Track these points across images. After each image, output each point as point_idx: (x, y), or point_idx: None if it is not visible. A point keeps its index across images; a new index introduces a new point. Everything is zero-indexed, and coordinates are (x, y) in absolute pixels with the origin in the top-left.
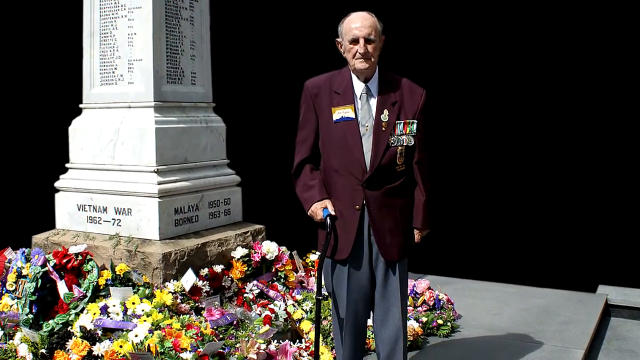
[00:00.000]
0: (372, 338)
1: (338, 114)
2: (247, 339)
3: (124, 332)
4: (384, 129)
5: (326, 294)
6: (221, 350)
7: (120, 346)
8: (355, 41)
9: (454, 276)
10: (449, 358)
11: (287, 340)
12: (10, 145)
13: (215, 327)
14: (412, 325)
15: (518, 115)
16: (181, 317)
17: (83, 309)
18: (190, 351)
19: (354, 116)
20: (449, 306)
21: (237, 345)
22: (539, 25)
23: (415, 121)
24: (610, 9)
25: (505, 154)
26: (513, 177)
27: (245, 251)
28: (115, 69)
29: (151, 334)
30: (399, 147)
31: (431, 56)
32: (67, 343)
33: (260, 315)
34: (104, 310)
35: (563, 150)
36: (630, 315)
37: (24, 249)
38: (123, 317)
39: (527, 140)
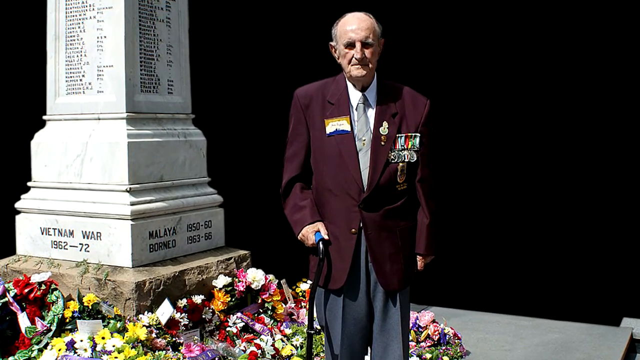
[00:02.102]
0: None
1: (332, 126)
2: None
3: None
4: (383, 143)
5: (318, 327)
6: None
7: None
8: (351, 45)
9: (461, 308)
10: None
11: None
12: None
13: None
14: None
15: (533, 130)
16: (157, 353)
17: (47, 344)
18: None
19: (349, 129)
20: (456, 341)
21: None
22: (543, 32)
23: (418, 134)
24: (612, 12)
25: (518, 173)
26: (527, 197)
27: (228, 280)
28: (83, 76)
29: None
30: (400, 164)
31: (436, 62)
32: None
33: (244, 351)
34: (71, 345)
35: (584, 170)
36: None
37: None
38: (92, 354)
39: (544, 160)
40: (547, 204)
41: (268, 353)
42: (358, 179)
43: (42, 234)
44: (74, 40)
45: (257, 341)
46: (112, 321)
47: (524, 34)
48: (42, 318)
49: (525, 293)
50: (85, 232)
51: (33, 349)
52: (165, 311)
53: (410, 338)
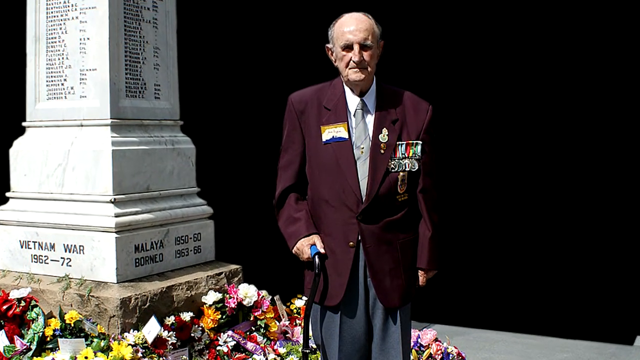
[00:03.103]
0: None
1: (328, 133)
2: None
3: None
4: (382, 151)
5: (314, 346)
6: None
7: None
8: (348, 47)
9: (465, 325)
10: None
11: None
12: None
13: None
14: None
15: (543, 137)
16: None
17: None
18: None
19: (347, 136)
20: None
21: None
22: (545, 36)
23: (420, 142)
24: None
25: (523, 183)
26: (534, 209)
27: (219, 296)
28: (65, 80)
29: None
30: (401, 173)
31: (438, 65)
32: None
33: None
34: None
35: (592, 182)
36: None
37: None
38: None
39: (552, 170)
40: (555, 217)
41: None
42: (356, 189)
43: (22, 247)
44: (55, 42)
45: None
46: (95, 340)
47: (527, 38)
48: (22, 336)
49: (532, 309)
50: (67, 245)
51: None
52: (152, 329)
53: (412, 358)
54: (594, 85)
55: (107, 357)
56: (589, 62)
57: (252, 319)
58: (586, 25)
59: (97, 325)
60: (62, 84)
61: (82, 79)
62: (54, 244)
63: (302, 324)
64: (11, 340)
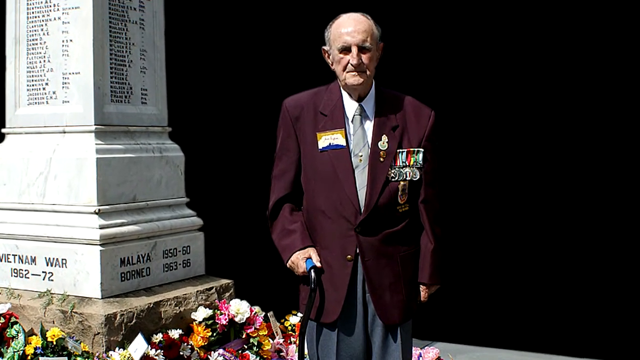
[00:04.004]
0: None
1: (325, 140)
2: None
3: None
4: (382, 159)
5: None
6: None
7: None
8: (346, 50)
9: (468, 343)
10: None
11: None
12: None
13: None
14: None
15: (552, 149)
16: None
17: None
18: None
19: (344, 143)
20: None
21: None
22: (548, 41)
23: (422, 150)
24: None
25: (531, 195)
26: (542, 223)
27: (209, 312)
28: (47, 84)
29: None
30: (401, 182)
31: (441, 69)
32: None
33: None
34: None
35: (603, 197)
36: None
37: None
38: None
39: (561, 183)
40: (566, 231)
41: None
42: (354, 200)
43: (1, 260)
44: (37, 44)
45: None
46: (79, 358)
47: (534, 43)
48: (1, 355)
49: (539, 327)
50: (49, 258)
51: None
52: (138, 347)
53: None
54: (599, 96)
55: None
56: (595, 71)
57: (244, 336)
58: (592, 31)
59: (80, 343)
60: (44, 89)
61: (65, 83)
62: (35, 257)
63: (297, 342)
64: None
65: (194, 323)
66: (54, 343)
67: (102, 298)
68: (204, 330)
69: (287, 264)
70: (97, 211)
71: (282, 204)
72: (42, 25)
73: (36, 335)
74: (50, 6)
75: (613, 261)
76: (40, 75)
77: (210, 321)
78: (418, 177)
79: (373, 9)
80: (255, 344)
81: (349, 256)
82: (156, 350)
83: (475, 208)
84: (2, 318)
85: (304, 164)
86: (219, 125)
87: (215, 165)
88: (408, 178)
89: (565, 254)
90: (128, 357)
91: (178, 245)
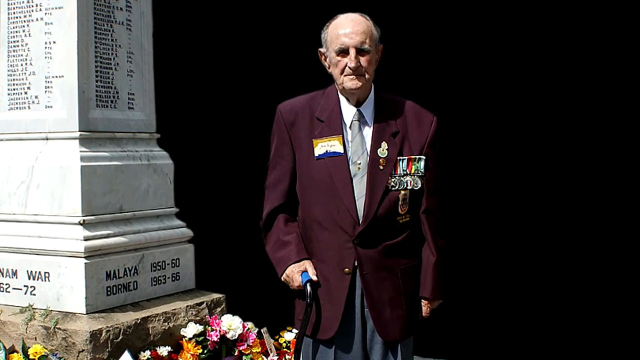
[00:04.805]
0: None
1: (321, 147)
2: None
3: None
4: (381, 167)
5: None
6: None
7: None
8: (344, 52)
9: None
10: None
11: None
12: None
13: None
14: None
15: (561, 155)
16: None
17: None
18: None
19: (342, 151)
20: None
21: None
22: (552, 46)
23: (423, 157)
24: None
25: (538, 204)
26: (551, 234)
27: (200, 328)
28: (29, 88)
29: None
30: (402, 192)
31: (443, 72)
32: None
33: None
34: None
35: (614, 207)
36: None
37: None
38: None
39: (570, 194)
40: (575, 241)
41: None
42: (352, 210)
43: None
44: (18, 46)
45: None
46: None
47: (540, 48)
48: None
49: (546, 344)
50: (31, 272)
51: None
52: None
53: None
54: (610, 107)
55: None
56: (604, 82)
57: (236, 353)
58: (599, 39)
59: None
60: (26, 93)
61: (48, 87)
62: (16, 270)
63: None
64: None
65: (184, 340)
66: None
67: (86, 313)
68: (194, 347)
69: (282, 278)
70: (81, 222)
71: (277, 215)
72: (23, 26)
73: (17, 352)
74: (33, 6)
75: (625, 286)
76: (22, 79)
77: (201, 338)
78: (419, 186)
79: (372, 9)
80: None
81: (347, 269)
82: None
83: (480, 218)
84: None
85: (300, 172)
86: (210, 132)
87: (206, 173)
88: (409, 187)
89: (574, 271)
90: None
91: (167, 258)
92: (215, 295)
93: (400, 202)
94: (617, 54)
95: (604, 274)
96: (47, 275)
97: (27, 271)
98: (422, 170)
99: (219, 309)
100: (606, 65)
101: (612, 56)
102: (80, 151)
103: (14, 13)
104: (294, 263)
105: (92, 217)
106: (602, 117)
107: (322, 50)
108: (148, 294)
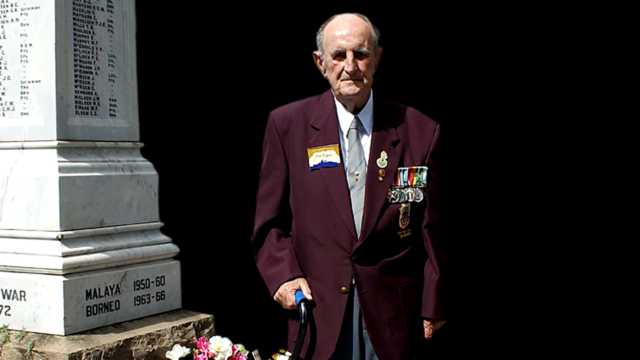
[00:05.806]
0: None
1: (317, 157)
2: None
3: None
4: (381, 178)
5: None
6: None
7: None
8: (340, 55)
9: None
10: None
11: None
12: None
13: None
14: None
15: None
16: None
17: None
18: None
19: (338, 161)
20: None
21: None
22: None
23: (426, 168)
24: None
25: (546, 216)
26: (558, 248)
27: (186, 351)
28: (3, 94)
29: None
30: (403, 205)
31: (446, 75)
32: None
33: None
34: None
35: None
36: None
37: None
38: None
39: (578, 204)
40: (585, 258)
41: None
42: (349, 224)
43: None
44: None
45: None
46: None
47: (543, 53)
48: None
49: None
50: (6, 290)
51: None
52: None
53: None
54: (615, 112)
55: None
56: (610, 86)
57: None
58: (605, 43)
59: None
60: (0, 99)
61: (24, 93)
62: None
63: None
64: None
65: None
66: None
67: (65, 335)
68: None
69: (274, 297)
70: (59, 237)
71: (269, 229)
72: None
73: None
74: (7, 6)
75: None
76: None
77: None
78: (421, 198)
79: (371, 9)
80: None
81: (344, 288)
82: None
83: (487, 234)
84: None
85: (293, 184)
86: (198, 141)
87: (192, 185)
88: (410, 200)
89: (585, 291)
90: None
91: (151, 276)
92: (203, 316)
93: (400, 216)
94: (620, 60)
95: (611, 285)
96: (22, 294)
97: (2, 290)
98: (425, 182)
99: (207, 330)
100: (611, 73)
101: (615, 63)
102: (59, 161)
103: None
104: (287, 281)
105: (71, 232)
106: (610, 125)
107: (317, 53)
108: (131, 314)
